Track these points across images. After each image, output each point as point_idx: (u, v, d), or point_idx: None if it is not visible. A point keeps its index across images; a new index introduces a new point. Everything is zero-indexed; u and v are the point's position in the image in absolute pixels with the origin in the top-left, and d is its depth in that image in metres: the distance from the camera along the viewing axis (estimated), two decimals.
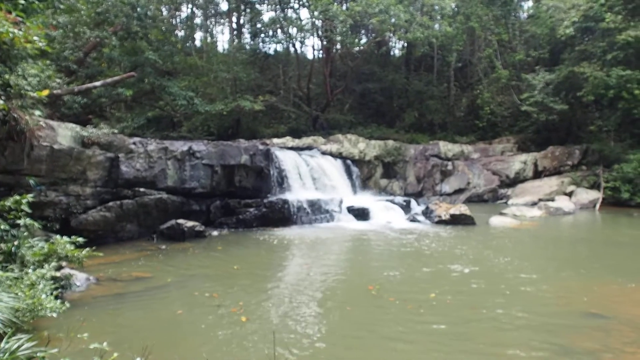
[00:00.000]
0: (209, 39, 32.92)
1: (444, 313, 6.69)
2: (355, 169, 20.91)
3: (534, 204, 20.94)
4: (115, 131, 13.63)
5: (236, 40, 30.08)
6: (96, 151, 12.09)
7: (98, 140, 12.34)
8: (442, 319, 6.44)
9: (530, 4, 34.68)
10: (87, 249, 7.81)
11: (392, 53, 36.29)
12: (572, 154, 24.34)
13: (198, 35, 32.84)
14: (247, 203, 14.87)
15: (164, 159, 13.54)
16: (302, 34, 26.57)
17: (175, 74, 23.30)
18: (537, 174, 24.21)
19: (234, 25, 31.13)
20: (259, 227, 14.58)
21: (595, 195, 21.56)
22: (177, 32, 29.09)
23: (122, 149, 12.78)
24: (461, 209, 16.00)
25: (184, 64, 23.50)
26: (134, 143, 13.16)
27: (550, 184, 22.90)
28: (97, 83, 15.66)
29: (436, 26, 27.78)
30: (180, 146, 14.14)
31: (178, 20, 30.94)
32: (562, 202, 20.36)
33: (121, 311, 6.92)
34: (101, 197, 12.08)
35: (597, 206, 20.95)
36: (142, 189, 12.86)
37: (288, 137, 21.08)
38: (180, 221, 12.72)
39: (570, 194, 21.96)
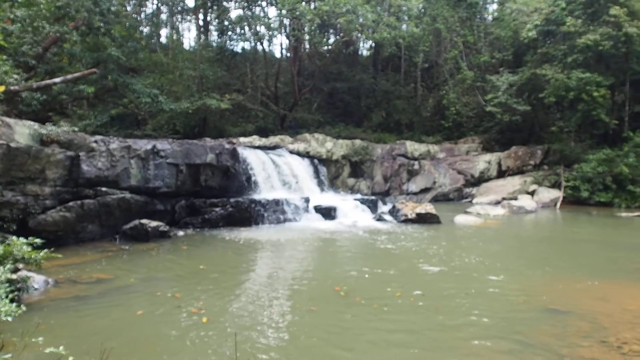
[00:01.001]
0: (174, 36, 32.33)
1: (409, 311, 6.73)
2: (322, 168, 20.91)
3: (497, 202, 21.40)
4: (76, 129, 13.23)
5: (203, 38, 29.64)
6: (55, 150, 11.71)
7: (58, 138, 11.95)
8: (406, 317, 6.48)
9: (495, 6, 35.42)
10: (46, 250, 7.57)
11: (360, 53, 36.46)
12: (535, 154, 24.98)
13: (163, 32, 32.25)
14: (213, 203, 14.66)
15: (127, 157, 13.21)
16: (270, 33, 26.36)
17: (140, 71, 22.80)
18: (501, 174, 24.75)
19: (201, 23, 30.64)
20: (225, 227, 14.39)
21: (556, 194, 22.18)
22: (141, 28, 28.48)
23: (83, 148, 12.41)
24: (427, 208, 16.18)
25: (148, 61, 23.02)
26: (96, 141, 12.79)
27: (513, 183, 23.44)
28: (57, 79, 15.14)
29: (403, 27, 28.06)
30: (144, 145, 13.82)
31: (143, 16, 30.32)
32: (525, 201, 20.88)
33: (80, 314, 6.70)
34: (61, 196, 11.70)
35: (558, 205, 21.56)
36: (104, 189, 12.52)
37: (255, 136, 20.91)
38: (144, 221, 12.43)
39: (532, 193, 22.53)
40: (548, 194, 22.20)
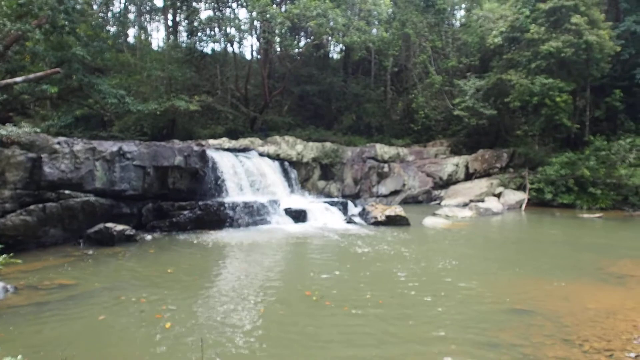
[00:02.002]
0: (142, 36, 31.82)
1: (377, 314, 6.75)
2: (292, 171, 20.88)
3: (465, 204, 21.74)
4: (38, 130, 12.83)
5: (172, 38, 29.26)
6: (16, 151, 11.33)
7: (18, 139, 11.56)
8: (375, 320, 6.49)
9: (462, 13, 36.10)
10: (5, 255, 7.32)
11: (330, 56, 36.57)
12: (501, 157, 25.51)
13: (131, 31, 31.72)
14: (181, 205, 14.45)
15: (91, 159, 12.89)
16: (240, 34, 26.24)
17: (106, 72, 22.33)
18: (469, 176, 25.18)
19: (170, 23, 30.27)
20: (194, 230, 14.21)
21: (522, 196, 22.69)
22: (108, 27, 27.92)
23: (45, 149, 12.04)
24: (396, 210, 16.33)
25: (115, 61, 22.57)
26: (59, 143, 12.43)
27: (480, 185, 23.87)
28: (19, 79, 14.68)
29: (373, 31, 28.28)
30: (109, 146, 13.52)
31: (110, 15, 29.70)
32: (491, 203, 21.29)
33: (41, 320, 6.49)
34: (22, 200, 11.33)
35: (523, 206, 22.05)
36: (67, 192, 12.19)
37: (225, 138, 20.73)
38: (109, 225, 12.16)
39: (498, 195, 22.99)
40: (514, 196, 22.69)
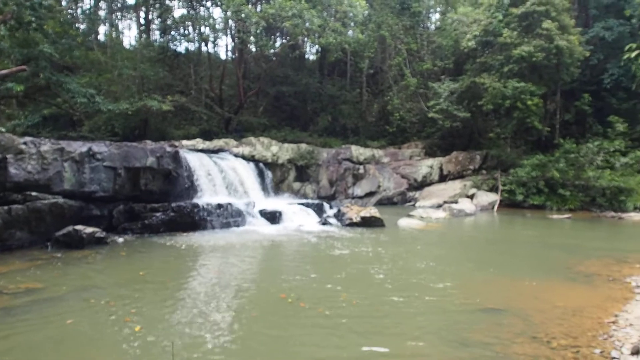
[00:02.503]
0: (113, 34, 31.27)
1: (351, 315, 6.75)
2: (268, 172, 20.79)
3: (439, 206, 21.98)
4: (3, 130, 12.50)
5: (144, 37, 28.82)
6: None
7: None
8: (349, 321, 6.48)
9: (437, 16, 36.53)
10: None
11: (306, 57, 36.61)
12: (474, 159, 25.87)
13: (102, 29, 31.14)
14: (153, 207, 14.20)
15: (59, 160, 12.58)
16: (215, 34, 26.02)
17: (75, 70, 21.87)
18: (443, 178, 25.46)
19: (142, 21, 29.81)
20: (167, 232, 13.96)
21: (494, 197, 23.05)
22: (77, 25, 27.33)
23: (10, 149, 11.69)
24: (371, 211, 16.39)
25: (85, 60, 22.11)
26: (25, 143, 12.08)
27: (454, 187, 24.16)
28: None
29: (349, 33, 28.40)
30: (78, 147, 13.21)
31: (79, 12, 29.09)
32: (465, 204, 21.58)
33: (7, 326, 6.27)
34: None
35: (495, 207, 22.41)
36: (34, 193, 11.86)
37: (198, 139, 20.52)
38: (79, 227, 11.86)
39: (471, 197, 23.31)
40: (486, 198, 23.04)
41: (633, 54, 24.03)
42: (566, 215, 20.09)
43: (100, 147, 13.71)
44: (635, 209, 20.89)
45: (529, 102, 23.15)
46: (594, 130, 26.46)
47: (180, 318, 6.54)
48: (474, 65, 26.40)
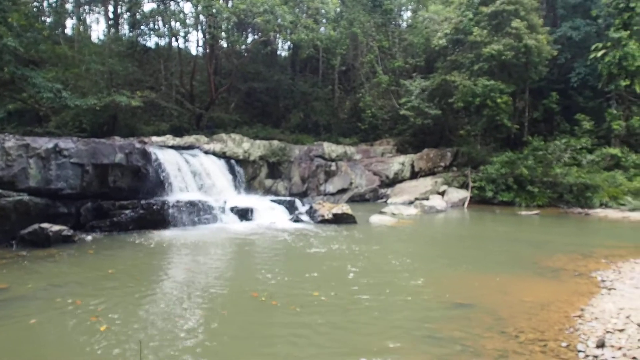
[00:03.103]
0: (81, 28, 30.48)
1: (323, 312, 6.74)
2: (239, 169, 20.62)
3: (410, 202, 22.17)
4: None
5: (112, 31, 28.18)
6: None
7: None
8: (320, 318, 6.48)
9: (409, 14, 36.80)
10: None
11: (278, 53, 36.43)
12: (445, 156, 26.19)
13: (69, 23, 30.33)
14: (122, 205, 13.94)
15: (24, 157, 12.23)
16: (185, 29, 25.63)
17: (41, 64, 21.22)
18: (414, 175, 25.70)
19: (111, 15, 29.15)
20: (137, 230, 13.73)
21: (464, 194, 23.37)
22: (43, 18, 26.55)
23: None
24: (343, 208, 16.43)
25: (51, 54, 21.44)
26: None
27: (425, 184, 24.40)
28: None
29: (321, 29, 28.37)
30: (44, 143, 12.86)
31: (45, 4, 28.28)
32: (436, 201, 21.83)
33: None
34: None
35: (466, 204, 22.73)
36: None
37: (169, 136, 20.20)
38: (45, 225, 11.55)
39: (442, 193, 23.59)
40: (457, 194, 23.34)
41: (599, 54, 24.87)
42: (534, 212, 20.51)
43: (67, 144, 13.37)
44: (601, 205, 21.46)
45: (499, 100, 23.57)
46: (561, 128, 27.10)
47: (148, 317, 6.42)
48: (444, 63, 26.71)
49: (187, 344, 5.52)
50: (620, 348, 5.17)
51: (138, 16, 26.18)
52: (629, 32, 23.86)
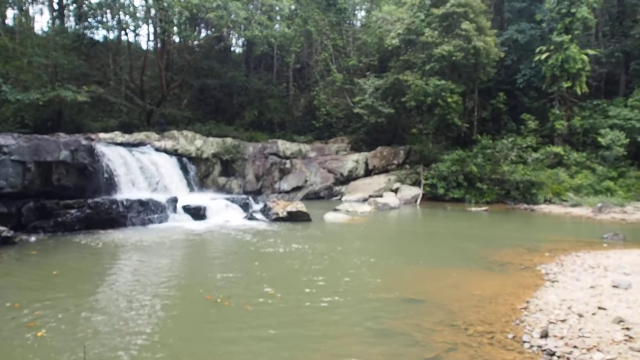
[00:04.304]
0: (23, 19, 29.04)
1: (275, 311, 6.69)
2: (191, 167, 20.26)
3: (364, 200, 22.40)
4: None
5: (57, 23, 27.02)
6: None
7: None
8: (273, 317, 6.42)
9: (363, 13, 37.12)
10: None
11: (232, 50, 35.98)
12: (398, 154, 26.60)
13: (10, 13, 28.83)
14: (67, 204, 13.36)
15: None
16: (135, 22, 24.87)
17: None
18: (368, 172, 25.97)
19: (55, 6, 27.93)
20: (83, 230, 13.19)
21: (417, 191, 23.82)
22: None
23: None
24: (298, 206, 16.40)
25: None
26: None
27: (379, 181, 24.71)
28: None
29: (276, 26, 28.20)
30: None
31: None
32: (389, 198, 22.14)
33: None
34: None
35: (418, 201, 23.17)
36: None
37: (117, 132, 19.59)
38: None
39: (396, 191, 23.96)
40: (409, 191, 23.76)
41: (543, 56, 25.87)
42: (483, 208, 21.14)
43: (7, 140, 12.74)
44: (545, 201, 22.37)
45: (449, 100, 24.15)
46: (508, 127, 28.02)
47: (93, 322, 6.16)
48: (397, 62, 27.11)
49: (133, 349, 5.33)
50: (562, 338, 5.38)
51: (85, 8, 25.19)
52: (570, 36, 24.95)
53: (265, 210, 16.78)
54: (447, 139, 27.55)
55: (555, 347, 5.16)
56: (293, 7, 29.61)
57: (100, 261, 10.00)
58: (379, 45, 29.45)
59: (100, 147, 15.31)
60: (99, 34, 28.78)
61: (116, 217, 13.90)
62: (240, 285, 8.03)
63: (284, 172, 24.10)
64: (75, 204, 13.43)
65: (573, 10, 24.95)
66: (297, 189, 24.16)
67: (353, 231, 14.68)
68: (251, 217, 16.42)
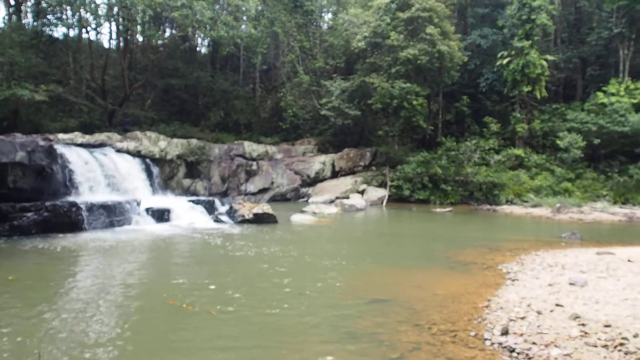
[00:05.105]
0: None
1: (243, 314, 6.60)
2: (155, 169, 19.87)
3: (331, 201, 22.46)
4: None
5: (14, 19, 26.09)
6: None
7: None
8: (241, 321, 6.34)
9: (329, 16, 37.24)
10: None
11: (198, 50, 35.55)
12: (364, 155, 26.79)
13: None
14: (24, 207, 12.86)
15: None
16: (97, 20, 24.22)
17: None
18: (335, 174, 26.06)
19: (12, 2, 26.96)
20: (41, 234, 12.70)
21: (383, 192, 24.04)
22: None
23: None
24: (264, 208, 16.30)
25: None
26: None
27: (345, 183, 24.82)
28: None
29: (242, 27, 28.00)
30: None
31: None
32: (355, 200, 22.26)
33: None
34: None
35: (384, 202, 23.39)
36: None
37: (77, 133, 19.03)
38: None
39: (362, 192, 24.13)
40: (376, 193, 23.96)
41: (504, 61, 26.54)
42: (448, 209, 21.49)
43: None
44: (507, 202, 22.93)
45: (415, 102, 24.49)
46: (471, 129, 28.60)
47: (49, 328, 5.93)
48: (364, 65, 27.33)
49: (89, 355, 5.16)
50: (521, 334, 5.49)
51: (43, 4, 24.40)
52: (530, 42, 25.68)
53: (231, 212, 16.60)
54: (412, 141, 27.92)
55: (515, 343, 5.26)
56: (259, 8, 29.48)
57: (59, 266, 9.66)
58: (345, 47, 29.63)
59: (59, 148, 14.86)
60: (59, 32, 27.92)
61: (76, 220, 13.47)
62: (205, 290, 7.89)
63: (250, 174, 23.92)
64: (32, 206, 12.95)
65: (533, 17, 25.70)
66: (263, 190, 24.02)
67: (320, 233, 14.68)
68: (217, 220, 16.22)
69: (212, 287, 8.03)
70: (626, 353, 4.78)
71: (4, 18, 26.85)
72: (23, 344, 5.37)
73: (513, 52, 26.34)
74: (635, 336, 5.12)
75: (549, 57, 26.87)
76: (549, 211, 20.19)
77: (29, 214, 12.80)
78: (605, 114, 24.54)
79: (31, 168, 13.69)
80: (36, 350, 5.15)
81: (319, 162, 25.79)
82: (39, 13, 25.29)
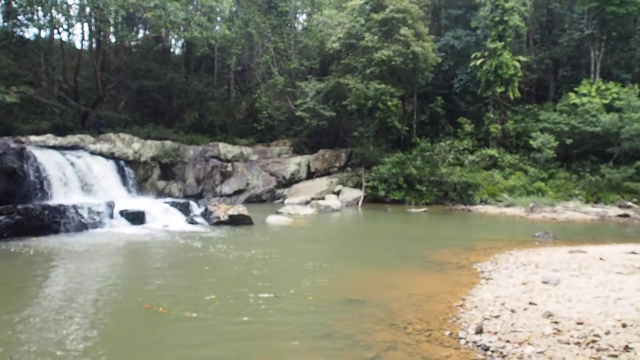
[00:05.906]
0: None
1: (219, 317, 6.61)
2: (129, 171, 19.62)
3: (307, 202, 22.50)
4: None
5: None
6: None
7: None
8: (217, 323, 6.35)
9: (304, 17, 37.27)
10: None
11: (172, 51, 35.20)
12: (340, 156, 26.93)
13: None
14: None
15: None
16: (69, 20, 23.79)
17: None
18: (310, 175, 26.11)
19: None
20: (13, 237, 12.46)
21: (358, 193, 24.20)
22: None
23: None
24: (239, 209, 16.28)
25: None
26: None
27: (321, 184, 24.90)
28: None
29: (216, 28, 27.83)
30: None
31: None
32: (331, 201, 22.37)
33: None
34: None
35: (360, 203, 23.55)
36: None
37: (50, 135, 18.68)
38: None
39: (338, 193, 24.23)
40: (351, 194, 24.10)
41: (478, 62, 26.98)
42: (423, 209, 21.77)
43: None
44: (481, 202, 23.33)
45: (389, 103, 24.72)
46: (446, 130, 28.99)
47: (22, 333, 5.84)
48: (338, 66, 27.46)
49: None
50: (495, 333, 5.64)
51: (14, 4, 23.85)
52: (503, 43, 26.16)
53: (206, 214, 16.52)
54: (387, 141, 28.15)
55: (490, 342, 5.40)
56: (234, 8, 29.35)
57: (31, 270, 9.49)
58: (320, 48, 29.71)
59: (31, 150, 14.58)
60: (30, 32, 27.35)
61: (49, 223, 13.26)
62: (181, 293, 7.86)
63: (225, 176, 23.81)
64: (3, 210, 12.68)
65: (506, 19, 26.19)
66: (239, 192, 23.93)
67: (295, 234, 14.73)
68: (192, 222, 16.13)
69: (188, 290, 8.03)
70: (598, 350, 4.93)
71: None
72: None
73: (486, 53, 26.79)
74: (607, 333, 5.29)
75: (522, 58, 27.42)
76: (523, 211, 20.62)
77: (1, 218, 12.54)
78: (577, 115, 25.18)
79: (2, 171, 13.41)
80: (9, 358, 5.08)
81: (294, 164, 25.82)
82: (9, 14, 24.69)
